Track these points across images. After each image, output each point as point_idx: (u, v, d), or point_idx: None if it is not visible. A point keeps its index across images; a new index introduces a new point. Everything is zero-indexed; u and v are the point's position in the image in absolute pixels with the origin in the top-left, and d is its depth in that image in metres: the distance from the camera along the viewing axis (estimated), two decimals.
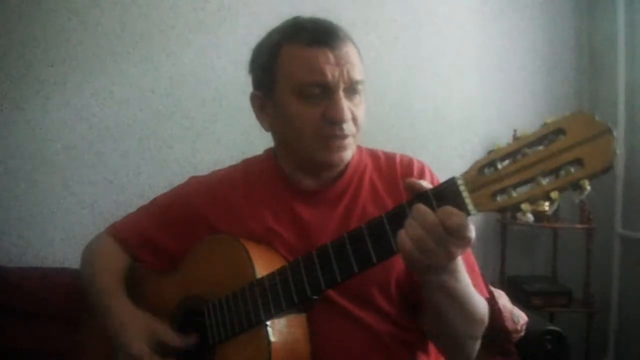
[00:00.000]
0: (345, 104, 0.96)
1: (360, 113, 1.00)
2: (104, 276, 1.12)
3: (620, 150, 0.65)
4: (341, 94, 0.96)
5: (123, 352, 1.02)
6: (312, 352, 0.95)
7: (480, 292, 0.97)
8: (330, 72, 0.95)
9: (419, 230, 0.74)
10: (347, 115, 0.96)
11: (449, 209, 0.74)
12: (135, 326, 1.03)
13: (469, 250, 0.92)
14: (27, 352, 1.72)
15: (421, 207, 0.75)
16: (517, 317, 1.84)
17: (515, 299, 2.00)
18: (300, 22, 1.02)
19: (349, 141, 0.99)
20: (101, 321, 1.08)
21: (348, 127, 0.98)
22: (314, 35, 0.98)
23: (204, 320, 1.02)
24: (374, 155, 1.12)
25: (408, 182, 0.81)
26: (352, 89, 0.98)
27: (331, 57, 0.96)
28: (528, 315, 1.88)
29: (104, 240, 1.18)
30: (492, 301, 1.56)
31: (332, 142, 0.97)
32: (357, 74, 0.98)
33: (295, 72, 0.97)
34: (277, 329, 0.92)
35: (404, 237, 0.75)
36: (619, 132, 2.35)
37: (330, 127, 0.96)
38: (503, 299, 1.87)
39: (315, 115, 0.96)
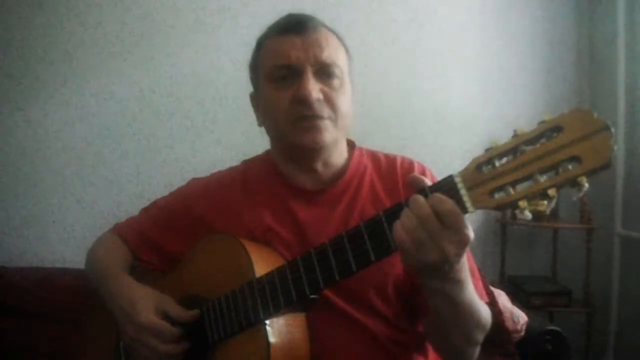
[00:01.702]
0: (313, 84, 0.98)
1: (339, 98, 1.00)
2: (109, 263, 1.14)
3: (620, 149, 0.65)
4: (309, 75, 0.98)
5: (131, 326, 1.01)
6: (310, 352, 0.95)
7: (480, 296, 0.96)
8: (295, 55, 0.99)
9: (413, 221, 0.74)
10: (314, 94, 0.97)
11: (440, 195, 0.73)
12: (143, 300, 1.03)
13: (469, 254, 0.91)
14: (27, 352, 1.72)
15: (418, 198, 0.75)
16: (517, 317, 1.84)
17: (515, 299, 2.00)
18: (279, 19, 1.07)
19: (324, 123, 0.99)
20: (108, 304, 1.09)
21: (319, 107, 0.98)
22: (284, 26, 1.03)
23: (203, 319, 1.02)
24: (374, 156, 1.12)
25: (412, 177, 0.81)
26: (323, 71, 1.00)
27: (297, 42, 0.99)
28: (528, 315, 1.87)
29: (109, 236, 1.21)
30: (492, 301, 1.56)
31: (301, 122, 0.98)
32: (327, 57, 1.00)
33: (267, 60, 1.03)
34: (276, 329, 0.92)
35: (399, 226, 0.75)
36: (619, 132, 2.35)
37: (299, 107, 0.98)
38: (503, 299, 1.87)
39: (285, 99, 0.99)
